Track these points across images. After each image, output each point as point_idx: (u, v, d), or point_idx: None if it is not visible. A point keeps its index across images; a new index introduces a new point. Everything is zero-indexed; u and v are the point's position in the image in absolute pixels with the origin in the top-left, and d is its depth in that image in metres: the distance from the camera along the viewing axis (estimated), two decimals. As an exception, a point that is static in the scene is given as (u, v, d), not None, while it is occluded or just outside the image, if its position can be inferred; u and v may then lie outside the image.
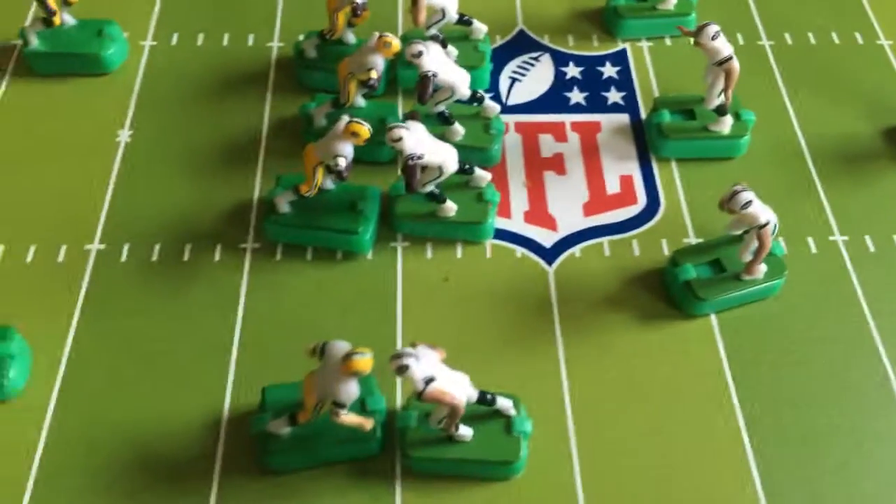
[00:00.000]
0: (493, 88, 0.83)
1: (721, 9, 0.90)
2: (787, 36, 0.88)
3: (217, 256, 0.70)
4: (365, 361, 0.54)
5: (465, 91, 0.72)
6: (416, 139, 0.65)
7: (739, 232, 0.67)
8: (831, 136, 0.80)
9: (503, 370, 0.64)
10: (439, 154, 0.67)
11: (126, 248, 0.70)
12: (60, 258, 0.70)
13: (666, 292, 0.69)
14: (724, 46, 0.72)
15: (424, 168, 0.67)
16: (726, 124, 0.77)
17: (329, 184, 0.70)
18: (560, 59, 0.86)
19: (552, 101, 0.82)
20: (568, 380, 0.64)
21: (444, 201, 0.70)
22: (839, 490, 0.59)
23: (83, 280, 0.68)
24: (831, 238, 0.73)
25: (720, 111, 0.76)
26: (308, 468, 0.60)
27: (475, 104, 0.75)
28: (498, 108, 0.76)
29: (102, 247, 0.70)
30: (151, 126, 0.79)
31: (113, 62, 0.82)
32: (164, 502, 0.58)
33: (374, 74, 0.71)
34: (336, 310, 0.67)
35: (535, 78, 0.84)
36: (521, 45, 0.87)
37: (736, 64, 0.73)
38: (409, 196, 0.70)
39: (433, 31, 0.77)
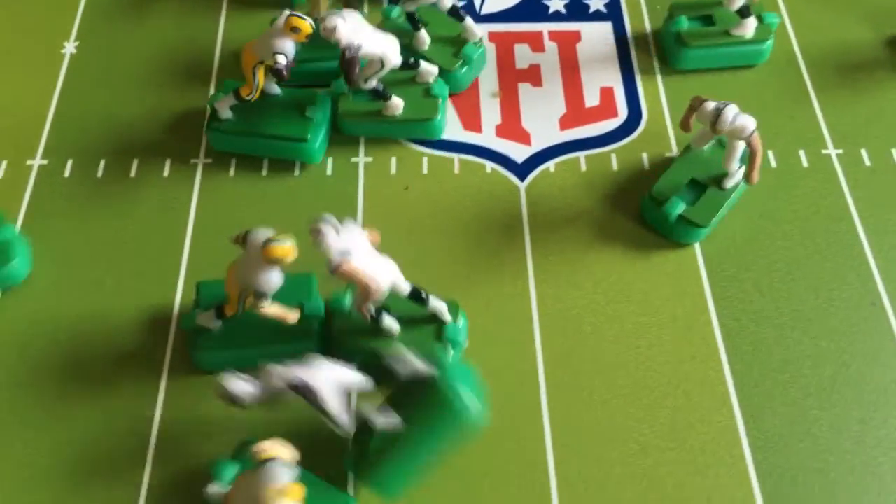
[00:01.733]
0: (467, -3, 0.78)
1: None
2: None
3: (166, 172, 0.66)
4: (283, 248, 0.51)
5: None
6: (352, 28, 0.60)
7: (706, 146, 0.63)
8: (829, 45, 0.75)
9: (469, 289, 0.60)
10: (379, 44, 0.62)
11: (70, 163, 0.66)
12: (0, 174, 0.66)
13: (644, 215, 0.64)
14: (747, 121, 0.63)
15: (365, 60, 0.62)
16: (750, 27, 0.70)
17: (274, 88, 0.65)
18: (539, -35, 0.81)
19: (530, 8, 0.77)
20: (537, 300, 0.60)
21: (389, 98, 0.65)
22: (823, 413, 0.56)
23: (24, 196, 0.65)
24: (825, 151, 0.68)
25: (743, 13, 0.70)
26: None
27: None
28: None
29: (45, 162, 0.66)
30: (98, 37, 0.74)
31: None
32: (112, 394, 0.56)
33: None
34: (291, 225, 0.62)
35: (513, -15, 0.79)
36: (498, -50, 0.82)
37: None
38: (354, 94, 0.65)
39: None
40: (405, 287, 0.55)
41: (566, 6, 0.77)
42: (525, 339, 0.59)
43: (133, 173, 0.66)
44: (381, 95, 0.65)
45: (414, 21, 0.69)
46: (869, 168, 0.67)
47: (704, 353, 0.58)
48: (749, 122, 0.60)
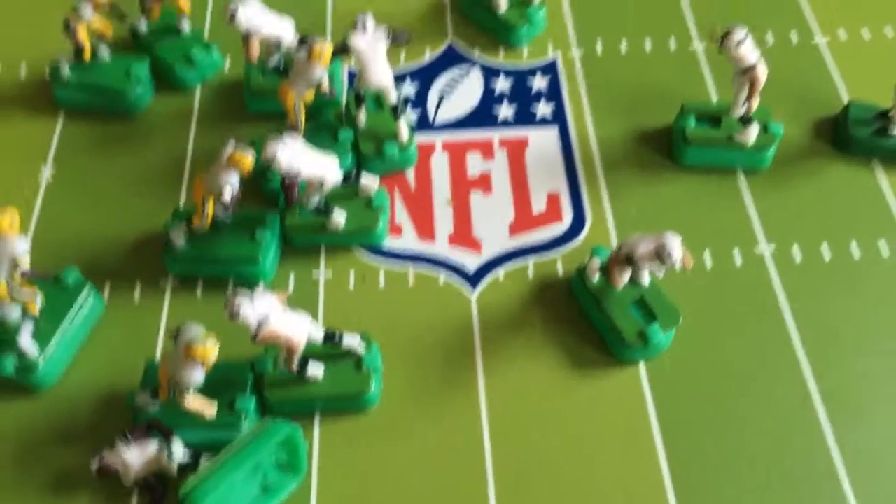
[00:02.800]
0: (422, 105, 0.82)
1: (656, 10, 0.90)
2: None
3: (137, 296, 0.70)
4: (204, 350, 0.56)
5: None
6: (292, 154, 0.65)
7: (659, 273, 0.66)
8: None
9: (421, 403, 0.64)
10: (319, 167, 0.67)
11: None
12: (-20, 303, 0.70)
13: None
14: (749, 53, 0.70)
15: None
16: (751, 135, 0.74)
17: (223, 214, 0.69)
18: (489, 73, 0.85)
19: (481, 116, 0.81)
20: (488, 413, 0.64)
21: (330, 213, 0.70)
22: (757, 511, 0.60)
23: (3, 325, 0.69)
24: (757, 250, 0.72)
25: (744, 120, 0.74)
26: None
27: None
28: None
29: (23, 290, 0.71)
30: (74, 164, 0.78)
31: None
32: None
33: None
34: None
35: (464, 93, 0.83)
36: (450, 59, 0.86)
37: (761, 72, 0.70)
38: (300, 209, 0.70)
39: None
40: (319, 334, 0.61)
41: (514, 113, 0.82)
42: (475, 450, 0.62)
43: (105, 295, 0.70)
44: (322, 212, 0.69)
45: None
46: (800, 264, 0.72)
47: (645, 456, 0.62)
48: (750, 54, 0.68)
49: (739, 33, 0.69)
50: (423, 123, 0.81)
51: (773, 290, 0.70)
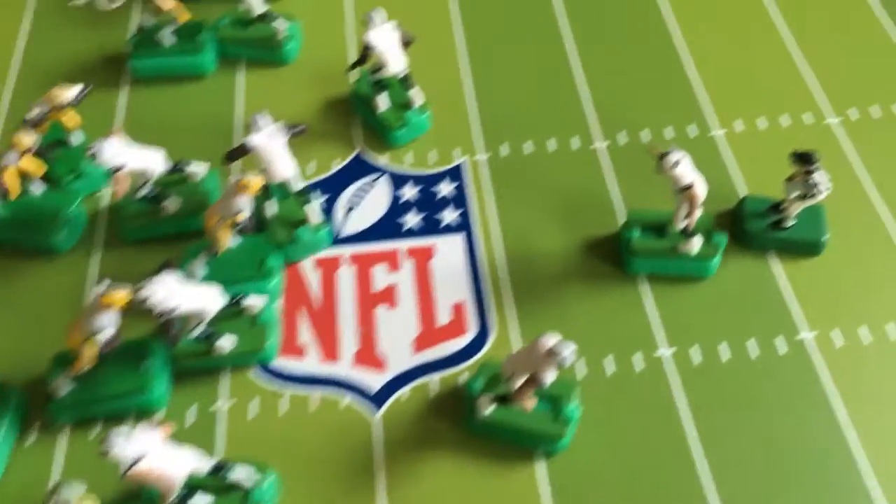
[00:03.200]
0: (329, 218, 0.82)
1: (559, 111, 0.91)
2: (619, 136, 0.89)
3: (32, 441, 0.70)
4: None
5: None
6: (166, 292, 0.65)
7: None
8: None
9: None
10: (197, 300, 0.68)
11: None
12: None
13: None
14: (686, 173, 0.72)
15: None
16: (695, 245, 0.76)
17: (104, 353, 0.69)
18: (397, 181, 0.86)
19: (387, 227, 0.82)
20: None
21: (215, 341, 0.70)
22: None
23: None
24: (656, 353, 0.74)
25: (685, 233, 0.76)
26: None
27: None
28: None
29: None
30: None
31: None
32: None
33: (242, 216, 0.72)
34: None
35: (372, 203, 0.84)
36: (358, 168, 0.87)
37: (699, 191, 0.72)
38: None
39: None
40: (205, 467, 0.62)
41: (421, 221, 0.83)
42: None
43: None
44: (206, 340, 0.70)
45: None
46: (699, 366, 0.73)
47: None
48: (687, 174, 0.70)
49: (676, 154, 0.71)
50: (331, 235, 0.82)
51: (671, 393, 0.71)
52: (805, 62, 0.95)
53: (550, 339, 0.62)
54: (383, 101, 0.87)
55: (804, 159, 0.74)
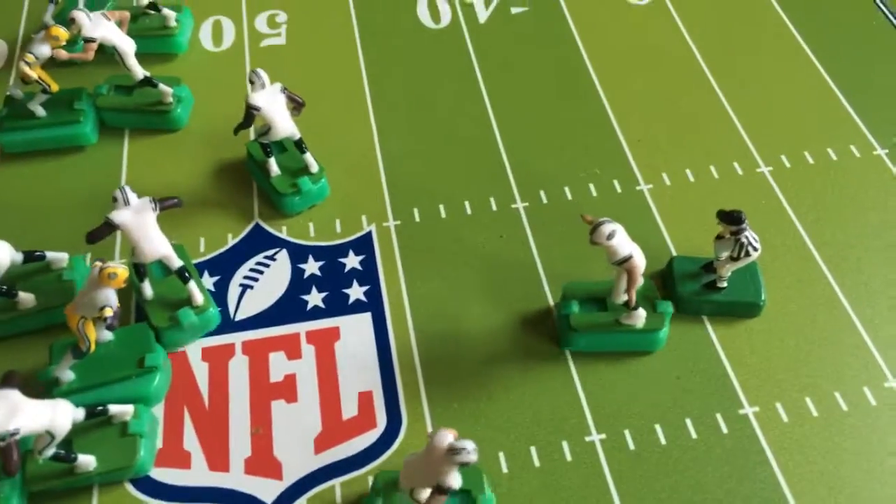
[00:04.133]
0: (221, 302, 0.74)
1: (475, 171, 0.84)
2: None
3: None
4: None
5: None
6: (5, 412, 0.56)
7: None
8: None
9: None
10: (42, 417, 0.58)
11: None
12: None
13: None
14: (622, 245, 0.65)
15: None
16: (639, 318, 0.69)
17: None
18: (298, 254, 0.78)
19: (287, 307, 0.74)
20: None
21: (74, 460, 0.61)
22: None
23: None
24: (588, 438, 0.66)
25: (627, 306, 0.69)
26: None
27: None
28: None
29: None
30: None
31: None
32: None
33: (108, 312, 0.62)
34: None
35: (270, 281, 0.76)
36: (257, 241, 0.79)
37: (637, 261, 0.65)
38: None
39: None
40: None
41: (324, 299, 0.75)
42: None
43: None
44: (65, 459, 0.60)
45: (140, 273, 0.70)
46: (633, 451, 0.66)
47: None
48: (624, 246, 0.65)
49: (609, 226, 0.64)
50: (223, 322, 0.73)
51: (605, 479, 0.64)
52: (734, 111, 0.91)
53: (446, 437, 0.54)
54: (273, 167, 0.80)
55: (730, 219, 0.68)
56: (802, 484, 0.63)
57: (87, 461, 0.61)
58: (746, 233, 0.68)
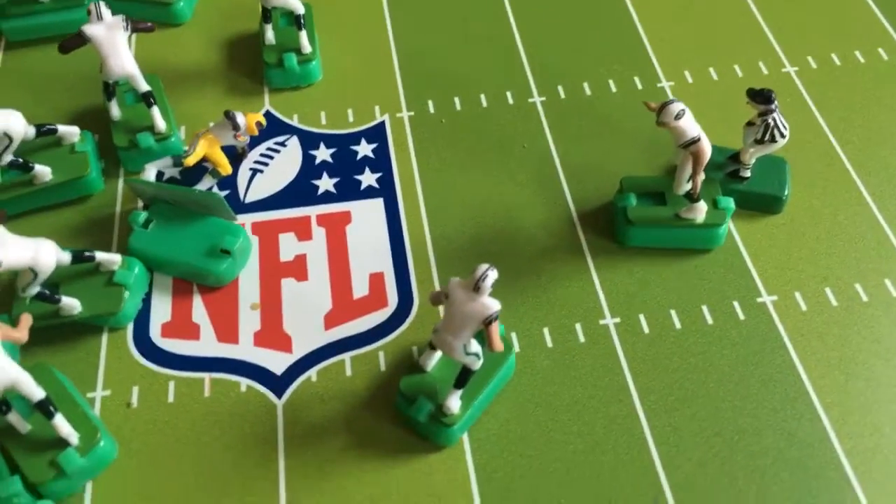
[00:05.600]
0: (231, 185, 0.73)
1: (492, 66, 0.82)
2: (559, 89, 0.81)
3: None
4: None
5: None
6: None
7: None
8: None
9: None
10: (26, 252, 0.57)
11: None
12: None
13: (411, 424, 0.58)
14: (689, 127, 0.62)
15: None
16: (700, 211, 0.66)
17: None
18: (309, 141, 0.77)
19: (298, 191, 0.73)
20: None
21: (58, 301, 0.61)
22: None
23: None
24: (602, 322, 0.65)
25: (690, 198, 0.66)
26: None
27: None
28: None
29: None
30: None
31: None
32: None
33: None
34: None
35: (280, 166, 0.74)
36: (267, 128, 0.77)
37: (705, 146, 0.63)
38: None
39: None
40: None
41: (336, 185, 0.73)
42: None
43: None
44: (48, 299, 0.60)
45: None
46: (647, 335, 0.64)
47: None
48: (692, 127, 0.62)
49: (677, 105, 0.62)
50: (232, 203, 0.71)
51: (618, 360, 0.63)
52: (758, 12, 0.88)
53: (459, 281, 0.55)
54: (269, 35, 0.79)
55: (760, 97, 0.66)
56: (820, 368, 0.62)
57: (71, 304, 0.61)
58: (775, 115, 0.66)
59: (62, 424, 0.54)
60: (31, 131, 0.69)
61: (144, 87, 0.71)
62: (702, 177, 0.65)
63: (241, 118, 0.70)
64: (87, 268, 0.64)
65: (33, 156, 0.70)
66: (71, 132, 0.71)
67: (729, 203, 0.68)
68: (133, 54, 0.76)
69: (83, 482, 0.57)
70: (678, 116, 0.62)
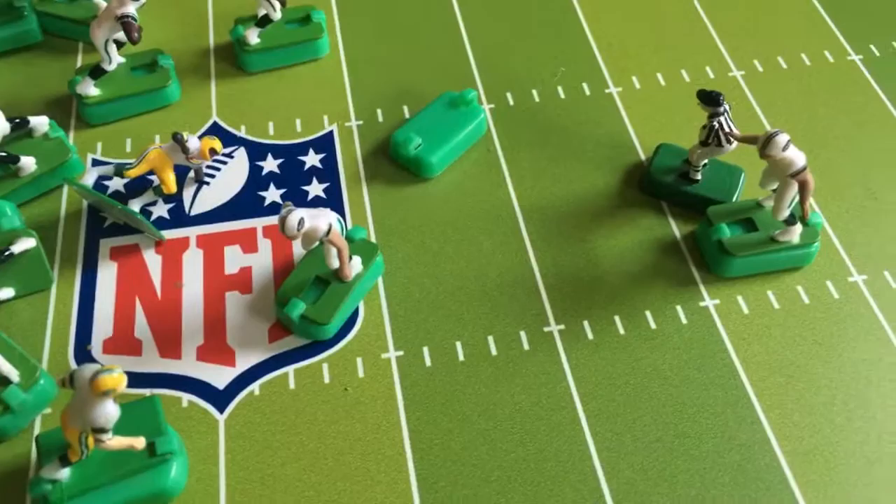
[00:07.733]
0: (176, 198, 0.72)
1: (443, 71, 0.82)
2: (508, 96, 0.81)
3: None
4: (113, 378, 0.50)
5: None
6: None
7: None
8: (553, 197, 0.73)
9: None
10: None
11: None
12: None
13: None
14: (796, 156, 0.62)
15: None
16: (796, 233, 0.66)
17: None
18: (256, 152, 0.76)
19: (244, 203, 0.72)
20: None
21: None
22: None
23: None
24: (546, 329, 0.65)
25: (791, 222, 0.66)
26: None
27: None
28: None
29: None
30: None
31: None
32: None
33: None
34: None
35: (227, 179, 0.74)
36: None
37: (810, 174, 0.63)
38: None
39: None
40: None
41: (283, 196, 0.73)
42: None
43: None
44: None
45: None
46: (591, 341, 0.65)
47: None
48: (798, 157, 0.62)
49: (783, 137, 0.62)
50: (178, 216, 0.71)
51: (562, 366, 0.63)
52: (706, 16, 0.89)
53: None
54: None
55: (708, 99, 0.66)
56: (760, 372, 0.62)
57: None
58: (722, 118, 0.66)
59: (2, 363, 0.59)
60: (7, 126, 0.71)
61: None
62: (809, 204, 0.65)
63: (193, 142, 0.69)
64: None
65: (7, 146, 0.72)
66: (40, 122, 0.73)
67: (817, 218, 0.68)
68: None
69: (30, 418, 0.60)
70: (786, 148, 0.62)
